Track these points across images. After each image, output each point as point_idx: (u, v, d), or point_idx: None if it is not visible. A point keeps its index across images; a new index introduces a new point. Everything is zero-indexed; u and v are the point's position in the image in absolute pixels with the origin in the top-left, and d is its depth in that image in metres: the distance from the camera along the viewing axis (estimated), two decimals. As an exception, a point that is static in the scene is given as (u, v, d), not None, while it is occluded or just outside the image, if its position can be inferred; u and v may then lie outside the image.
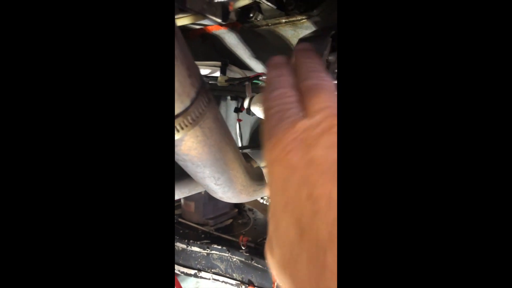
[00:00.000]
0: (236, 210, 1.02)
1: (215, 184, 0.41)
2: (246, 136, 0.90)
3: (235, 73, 0.61)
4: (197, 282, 2.12)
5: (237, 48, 0.70)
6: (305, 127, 0.21)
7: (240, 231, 0.87)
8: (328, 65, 0.42)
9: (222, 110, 0.81)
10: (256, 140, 0.93)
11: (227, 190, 0.44)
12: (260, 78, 0.50)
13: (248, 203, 1.07)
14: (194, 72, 0.27)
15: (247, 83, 0.50)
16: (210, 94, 0.30)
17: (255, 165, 0.53)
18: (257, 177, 0.51)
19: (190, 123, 0.28)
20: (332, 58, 0.42)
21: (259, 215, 1.02)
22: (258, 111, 0.42)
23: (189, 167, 0.36)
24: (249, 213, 1.02)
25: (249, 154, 0.53)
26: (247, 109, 0.44)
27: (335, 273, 0.18)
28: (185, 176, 0.53)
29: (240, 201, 0.52)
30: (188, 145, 0.31)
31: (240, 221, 0.97)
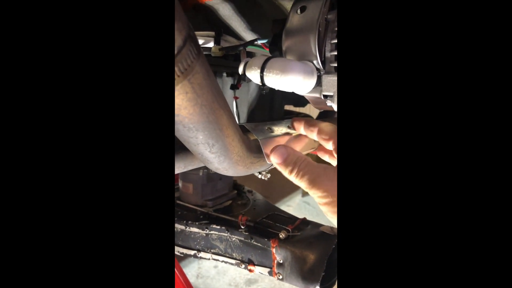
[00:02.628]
0: (235, 191, 1.01)
1: (209, 152, 0.39)
2: (244, 115, 0.88)
3: (230, 43, 0.58)
4: (199, 268, 2.14)
5: (232, 20, 0.67)
6: None
7: (239, 212, 0.86)
8: (327, 24, 0.40)
9: (218, 87, 0.79)
10: (254, 118, 0.91)
11: (223, 160, 0.42)
12: (256, 43, 0.47)
13: (248, 183, 1.06)
14: (180, 17, 0.25)
15: (241, 48, 0.48)
16: (199, 45, 0.28)
17: (252, 138, 0.51)
18: (254, 149, 0.49)
19: (178, 76, 0.26)
20: (331, 16, 0.39)
21: (258, 196, 1.01)
22: (253, 75, 0.40)
23: (180, 131, 0.34)
24: (248, 195, 1.01)
25: (246, 127, 0.51)
26: (242, 74, 0.42)
27: None
28: (180, 150, 0.51)
29: (237, 174, 0.50)
30: (178, 102, 0.28)
31: (239, 202, 0.96)
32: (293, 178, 0.39)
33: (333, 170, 0.37)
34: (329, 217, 0.36)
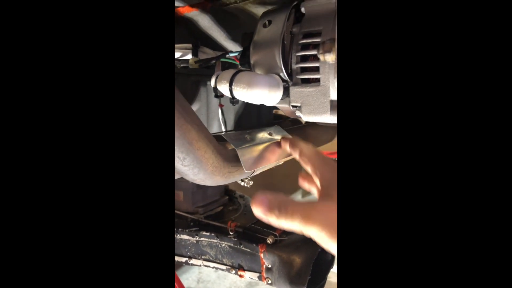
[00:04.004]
0: (227, 197, 1.02)
1: (182, 165, 0.40)
2: (231, 122, 0.89)
3: (208, 55, 0.59)
4: (200, 272, 2.15)
5: (212, 30, 0.69)
6: None
7: (229, 218, 0.87)
8: (292, 37, 0.41)
9: (203, 95, 0.80)
10: (241, 125, 0.92)
11: (197, 172, 0.43)
12: (227, 56, 0.49)
13: (238, 189, 1.07)
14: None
15: (215, 61, 0.49)
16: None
17: (229, 147, 0.52)
18: (231, 159, 0.50)
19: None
20: (296, 29, 0.40)
21: (250, 201, 1.02)
22: (223, 88, 0.41)
23: (149, 148, 0.35)
24: (240, 200, 1.02)
25: (223, 136, 0.52)
26: (213, 88, 0.43)
27: None
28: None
29: (216, 183, 0.51)
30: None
31: (230, 208, 0.97)
32: (283, 222, 0.36)
33: (321, 203, 0.36)
34: (328, 247, 0.33)
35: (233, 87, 0.39)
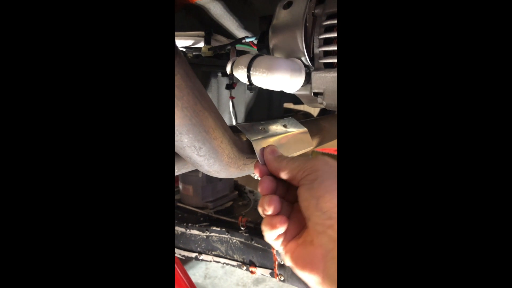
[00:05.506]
0: (236, 192, 1.00)
1: (197, 155, 0.38)
2: (242, 115, 0.87)
3: (221, 42, 0.57)
4: (207, 268, 2.15)
5: (224, 19, 0.66)
6: None
7: (240, 213, 0.85)
8: (314, 19, 0.38)
9: (213, 87, 0.78)
10: (252, 118, 0.90)
11: (213, 162, 0.41)
12: (243, 41, 0.46)
13: (248, 184, 1.05)
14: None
15: (230, 47, 0.46)
16: (177, 47, 0.27)
17: (244, 139, 0.50)
18: (246, 150, 0.48)
19: (153, 79, 0.25)
20: (318, 10, 0.38)
21: (260, 196, 1.00)
22: (240, 74, 0.39)
23: (164, 135, 0.33)
24: (250, 195, 1.00)
25: (238, 127, 0.50)
26: (229, 74, 0.41)
27: None
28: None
29: (230, 176, 0.49)
30: (156, 106, 0.28)
31: (240, 203, 0.95)
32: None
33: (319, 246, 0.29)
34: None
35: (251, 72, 0.37)
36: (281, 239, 0.33)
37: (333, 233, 0.27)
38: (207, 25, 0.69)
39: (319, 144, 0.78)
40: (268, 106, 0.96)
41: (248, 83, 0.39)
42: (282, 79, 0.36)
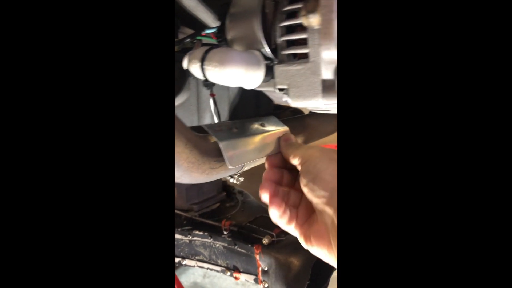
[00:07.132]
0: (224, 193, 0.96)
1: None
2: (225, 113, 0.83)
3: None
4: (206, 272, 2.12)
5: (198, 11, 0.62)
6: None
7: (225, 215, 0.82)
8: (275, 5, 0.34)
9: (192, 84, 0.74)
10: (237, 117, 0.86)
11: (169, 168, 0.37)
12: (203, 33, 0.42)
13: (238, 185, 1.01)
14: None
15: (195, 41, 0.42)
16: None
17: (212, 140, 0.46)
18: (213, 153, 0.44)
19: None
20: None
21: (249, 196, 0.96)
22: (194, 69, 0.34)
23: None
24: (238, 196, 0.96)
25: (204, 128, 0.45)
26: (186, 69, 0.37)
27: None
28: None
29: (196, 181, 0.45)
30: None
31: (228, 204, 0.91)
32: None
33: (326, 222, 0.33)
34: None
35: (204, 66, 0.33)
36: (293, 224, 0.37)
37: (329, 210, 0.31)
38: (181, 18, 0.65)
39: (304, 143, 0.73)
40: (255, 103, 0.91)
41: (203, 79, 0.35)
42: (236, 73, 0.32)
